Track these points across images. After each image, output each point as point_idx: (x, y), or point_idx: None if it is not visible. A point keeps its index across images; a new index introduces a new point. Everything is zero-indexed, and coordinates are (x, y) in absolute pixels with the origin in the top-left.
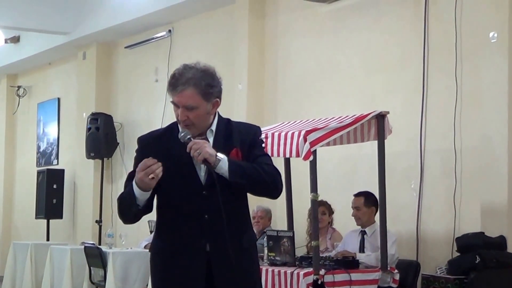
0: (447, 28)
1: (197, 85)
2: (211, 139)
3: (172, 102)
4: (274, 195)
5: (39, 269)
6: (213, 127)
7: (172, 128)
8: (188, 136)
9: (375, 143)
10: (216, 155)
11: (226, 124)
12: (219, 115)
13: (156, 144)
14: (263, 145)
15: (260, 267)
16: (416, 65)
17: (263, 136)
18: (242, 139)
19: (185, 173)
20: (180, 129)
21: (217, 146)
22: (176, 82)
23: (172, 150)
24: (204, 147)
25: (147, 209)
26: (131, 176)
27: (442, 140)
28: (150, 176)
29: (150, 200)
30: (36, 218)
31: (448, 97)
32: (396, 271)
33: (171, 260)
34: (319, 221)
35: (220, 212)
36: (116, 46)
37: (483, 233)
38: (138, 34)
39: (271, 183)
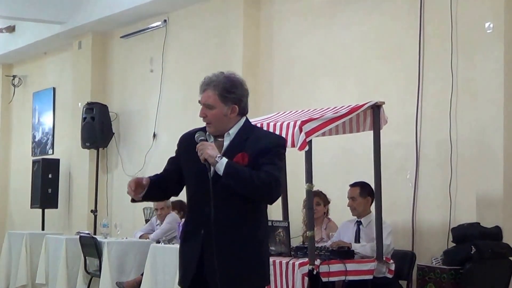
0: (443, 18)
1: (216, 87)
2: (227, 142)
3: (199, 101)
4: (266, 200)
5: (34, 259)
6: (231, 131)
7: (204, 129)
8: (200, 138)
9: (370, 134)
10: (217, 157)
11: (248, 131)
12: (246, 122)
13: (187, 142)
14: (281, 156)
15: None
16: (412, 55)
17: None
18: (255, 146)
19: (199, 169)
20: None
21: (230, 149)
22: (203, 84)
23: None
24: (206, 149)
25: (172, 192)
26: (169, 161)
27: (438, 130)
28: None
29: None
30: (31, 207)
31: (444, 87)
32: (391, 261)
33: (182, 245)
34: (314, 212)
35: (219, 206)
36: (111, 36)
37: (479, 223)
38: (133, 24)
39: (262, 190)
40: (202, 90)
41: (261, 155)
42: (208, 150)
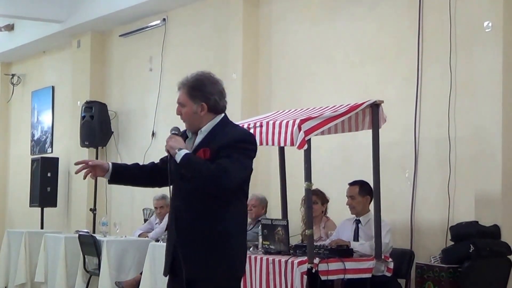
0: (441, 17)
1: (186, 86)
2: (199, 139)
3: None
4: (211, 190)
5: (33, 257)
6: (204, 129)
7: None
8: (173, 132)
9: (369, 132)
10: (178, 149)
11: (219, 128)
12: (222, 119)
13: None
14: (243, 150)
15: (255, 255)
16: (410, 54)
17: (258, 125)
18: (220, 141)
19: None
20: None
21: (199, 146)
22: (178, 84)
23: None
24: (168, 141)
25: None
26: None
27: (437, 129)
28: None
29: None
30: (30, 206)
31: (443, 86)
32: (390, 259)
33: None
34: None
35: (181, 199)
36: (110, 35)
37: (477, 222)
38: (132, 23)
39: (209, 180)
40: (177, 90)
41: (221, 149)
42: (171, 142)
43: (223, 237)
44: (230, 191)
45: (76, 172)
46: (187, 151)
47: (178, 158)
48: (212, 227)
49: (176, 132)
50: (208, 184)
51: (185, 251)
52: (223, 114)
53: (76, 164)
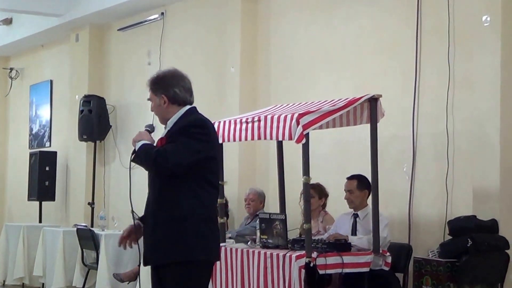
0: (440, 11)
1: (149, 82)
2: (165, 131)
3: None
4: (154, 171)
5: (31, 251)
6: (169, 121)
7: None
8: (146, 128)
9: (367, 127)
10: (138, 141)
11: (182, 119)
12: (187, 111)
13: None
14: (189, 134)
15: (252, 250)
16: (409, 48)
17: (255, 119)
18: (174, 130)
19: None
20: None
21: (165, 135)
22: None
23: None
24: (134, 136)
25: None
26: None
27: (435, 123)
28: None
29: None
30: (29, 200)
31: (441, 80)
32: (388, 254)
33: None
34: None
35: (151, 187)
36: (109, 29)
37: (475, 216)
38: (131, 17)
39: (149, 162)
40: None
41: (171, 135)
42: (135, 136)
43: (177, 223)
44: (169, 171)
45: (124, 248)
46: (145, 142)
47: (137, 148)
48: (168, 213)
49: (148, 129)
50: (149, 165)
51: (144, 237)
52: (188, 106)
53: (119, 245)
